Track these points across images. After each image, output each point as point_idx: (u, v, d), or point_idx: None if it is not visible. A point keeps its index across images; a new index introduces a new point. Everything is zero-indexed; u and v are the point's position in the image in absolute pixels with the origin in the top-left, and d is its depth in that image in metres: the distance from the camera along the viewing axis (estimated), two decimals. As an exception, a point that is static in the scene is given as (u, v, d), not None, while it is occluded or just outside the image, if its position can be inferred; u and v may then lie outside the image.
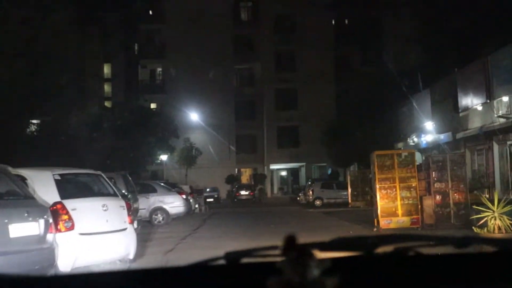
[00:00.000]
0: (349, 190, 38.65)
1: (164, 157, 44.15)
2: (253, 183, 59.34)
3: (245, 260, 1.65)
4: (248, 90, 63.55)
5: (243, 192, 53.49)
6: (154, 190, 26.33)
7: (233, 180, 59.02)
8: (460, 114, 29.64)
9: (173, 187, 29.76)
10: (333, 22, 60.32)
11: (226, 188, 58.90)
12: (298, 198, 48.12)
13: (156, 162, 42.24)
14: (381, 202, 20.27)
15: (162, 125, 40.21)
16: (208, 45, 60.62)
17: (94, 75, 55.31)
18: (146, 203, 25.49)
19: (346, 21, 61.90)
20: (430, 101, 33.50)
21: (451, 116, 30.84)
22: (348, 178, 39.25)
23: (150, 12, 63.44)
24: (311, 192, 43.42)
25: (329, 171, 58.36)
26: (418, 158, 40.26)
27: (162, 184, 27.50)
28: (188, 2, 60.90)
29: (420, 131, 36.35)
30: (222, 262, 1.66)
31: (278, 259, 1.41)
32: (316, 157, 57.82)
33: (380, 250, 1.64)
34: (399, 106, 40.55)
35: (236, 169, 62.67)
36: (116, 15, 59.76)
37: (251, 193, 53.48)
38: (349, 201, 38.75)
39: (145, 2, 61.52)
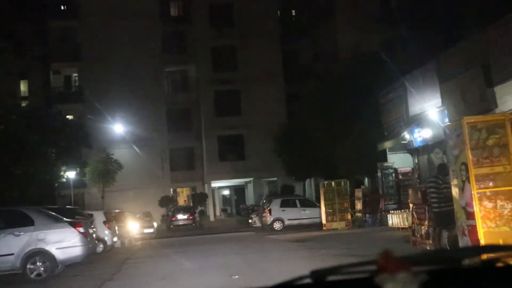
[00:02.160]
0: (323, 207, 28.15)
1: (70, 174, 32.58)
2: (192, 204, 48.37)
3: (331, 278, 1.57)
4: (182, 96, 52.80)
5: (180, 216, 42.83)
6: (29, 222, 15.09)
7: (168, 202, 47.91)
8: (497, 87, 19.46)
9: (73, 215, 18.57)
10: (278, 13, 49.91)
11: (160, 212, 47.81)
12: (250, 221, 37.34)
13: (60, 180, 30.55)
14: (484, 223, 9.75)
15: (68, 131, 28.88)
16: (132, 45, 49.89)
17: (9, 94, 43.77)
18: (15, 243, 14.38)
19: (293, 12, 51.82)
20: (438, 78, 23.32)
21: (479, 91, 20.59)
22: (322, 191, 28.75)
23: (62, 7, 51.64)
24: (268, 213, 32.82)
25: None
26: (409, 161, 30.35)
27: (47, 211, 16.12)
28: (106, -6, 49.86)
29: (416, 122, 26.20)
30: (308, 281, 1.60)
31: (365, 275, 1.37)
32: (265, 170, 47.38)
33: (467, 262, 1.58)
34: (378, 96, 30.56)
35: (172, 189, 51.67)
36: (24, 15, 48.30)
37: (191, 217, 43.13)
38: (323, 222, 28.22)
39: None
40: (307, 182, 45.98)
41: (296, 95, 47.38)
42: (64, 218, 15.64)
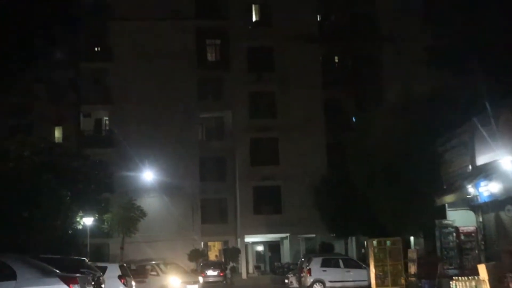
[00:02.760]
0: (372, 269, 24.19)
1: (87, 221, 29.14)
2: (223, 260, 44.59)
3: None
4: (216, 144, 49.62)
5: (210, 272, 39.35)
6: (11, 275, 11.67)
7: (198, 256, 44.25)
8: None
9: (77, 267, 15.16)
10: (320, 58, 46.79)
11: (189, 266, 44.00)
12: (286, 281, 33.44)
13: (75, 227, 27.07)
14: None
15: (87, 171, 25.66)
16: (167, 89, 47.26)
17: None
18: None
19: (336, 58, 48.72)
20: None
21: None
22: (371, 251, 24.81)
23: (95, 49, 49.36)
24: (307, 273, 28.98)
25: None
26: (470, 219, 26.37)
27: (35, 262, 12.60)
28: (141, 37, 47.61)
29: (484, 174, 22.32)
30: None
31: None
32: (303, 226, 43.54)
33: None
34: (436, 144, 26.86)
35: (202, 243, 47.99)
36: (58, 59, 46.12)
37: (221, 273, 39.61)
38: (373, 286, 24.22)
39: (89, 35, 47.69)
40: (349, 240, 42.00)
41: (338, 145, 43.76)
42: (57, 272, 12.16)
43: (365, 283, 28.92)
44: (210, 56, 51.30)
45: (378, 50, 46.41)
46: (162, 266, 30.49)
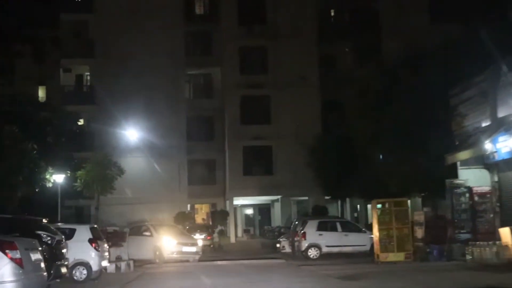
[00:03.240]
0: (376, 233, 21.52)
1: (58, 178, 26.15)
2: (211, 223, 41.95)
3: None
4: (205, 103, 46.72)
5: (197, 236, 36.02)
6: None
7: (184, 219, 41.49)
8: None
9: (30, 229, 12.36)
10: (315, 10, 43.54)
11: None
12: (278, 245, 30.82)
13: (43, 185, 23.97)
14: None
15: (57, 123, 22.60)
16: (152, 44, 43.84)
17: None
18: None
19: (332, 12, 45.54)
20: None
21: None
22: (375, 213, 22.06)
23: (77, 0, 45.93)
24: (302, 237, 26.35)
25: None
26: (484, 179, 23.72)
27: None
28: (125, -14, 44.16)
29: (505, 127, 19.73)
30: None
31: None
32: (295, 188, 40.86)
33: None
34: (448, 96, 24.15)
35: (189, 205, 45.36)
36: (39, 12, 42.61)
37: (209, 237, 36.96)
38: (377, 252, 21.57)
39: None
40: (344, 203, 39.46)
41: (333, 103, 41.00)
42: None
43: (365, 248, 26.40)
44: (198, 9, 48.09)
45: (377, 1, 43.27)
46: (156, 227, 28.30)
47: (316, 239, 26.40)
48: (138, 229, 28.31)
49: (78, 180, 29.00)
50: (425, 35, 37.66)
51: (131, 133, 41.59)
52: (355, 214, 43.69)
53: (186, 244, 26.85)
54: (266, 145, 42.13)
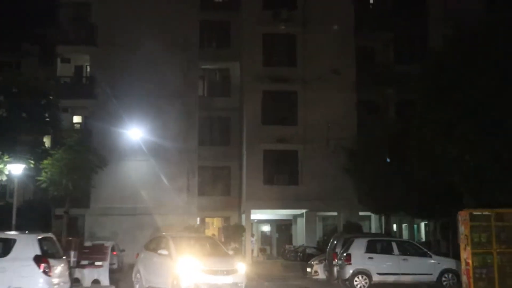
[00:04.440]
0: (468, 259, 14.38)
1: (16, 169, 18.98)
2: (223, 240, 34.81)
3: None
4: (220, 102, 40.03)
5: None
6: None
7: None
8: None
9: None
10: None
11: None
12: (309, 270, 23.72)
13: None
14: None
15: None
16: (162, 33, 37.20)
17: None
18: None
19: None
20: None
21: None
22: (466, 228, 14.81)
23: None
24: (345, 260, 19.20)
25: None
26: None
27: None
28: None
29: None
30: None
31: None
32: (323, 201, 33.75)
33: None
34: None
35: (198, 218, 38.26)
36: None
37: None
38: (470, 285, 14.43)
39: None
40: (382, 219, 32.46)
41: (371, 103, 34.26)
42: None
43: (431, 277, 19.36)
44: (217, -4, 41.48)
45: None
46: (178, 241, 17.10)
47: (364, 264, 19.34)
48: (157, 243, 17.95)
49: (43, 173, 21.55)
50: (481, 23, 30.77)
51: (135, 133, 35.25)
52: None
53: (216, 272, 15.74)
54: (291, 150, 34.98)
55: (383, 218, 35.28)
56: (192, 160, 37.82)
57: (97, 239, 33.71)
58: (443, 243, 30.48)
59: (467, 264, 14.50)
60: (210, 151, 38.48)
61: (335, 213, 36.15)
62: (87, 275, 15.93)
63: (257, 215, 38.20)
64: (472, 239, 14.38)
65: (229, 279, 15.58)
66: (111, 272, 30.18)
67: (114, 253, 32.29)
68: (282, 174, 35.19)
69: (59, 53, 38.39)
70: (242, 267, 16.22)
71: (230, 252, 19.84)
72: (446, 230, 30.67)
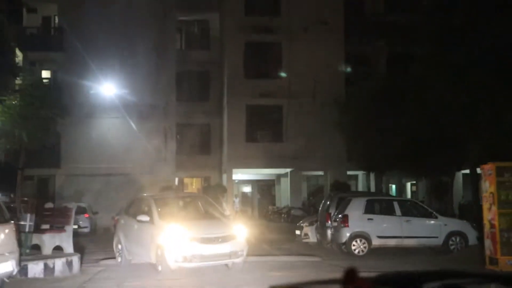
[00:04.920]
0: (494, 220, 12.11)
1: None
2: (203, 201, 32.49)
3: None
4: (199, 55, 37.38)
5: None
6: None
7: (170, 196, 31.98)
8: None
9: None
10: None
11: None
12: (298, 232, 21.52)
13: None
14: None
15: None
16: (137, -19, 34.20)
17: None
18: None
19: None
20: None
21: None
22: (493, 185, 12.53)
23: None
24: (341, 222, 16.95)
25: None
26: None
27: None
28: None
29: None
30: None
31: None
32: (310, 159, 31.43)
33: (427, 286, 1.53)
34: None
35: (177, 179, 35.83)
36: None
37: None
38: (490, 252, 12.19)
39: None
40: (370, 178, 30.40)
41: (361, 56, 31.95)
42: None
43: (437, 241, 17.25)
44: None
45: None
46: (162, 203, 14.24)
47: (363, 226, 17.13)
48: (137, 207, 14.79)
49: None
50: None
51: (107, 89, 32.76)
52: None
53: (209, 240, 12.54)
54: (275, 105, 32.57)
55: (371, 177, 33.42)
56: (170, 117, 35.40)
57: (68, 201, 31.31)
58: (435, 203, 28.54)
59: (492, 226, 12.32)
60: (188, 107, 35.89)
61: (320, 173, 34.01)
62: (47, 241, 13.50)
63: (238, 175, 35.89)
64: (499, 196, 12.18)
65: (225, 248, 12.44)
66: (83, 236, 27.95)
67: (87, 215, 30.05)
68: (266, 131, 32.84)
69: (24, 1, 35.28)
70: (241, 232, 13.09)
71: (227, 213, 15.54)
72: (440, 189, 28.75)
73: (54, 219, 14.24)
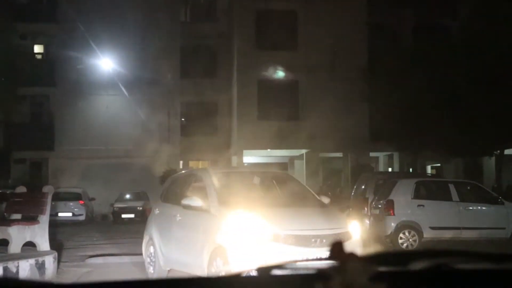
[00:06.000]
0: None
1: None
2: (211, 186, 29.01)
3: (276, 272, 1.53)
4: (206, 28, 33.82)
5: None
6: None
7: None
8: None
9: None
10: None
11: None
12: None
13: None
14: None
15: None
16: None
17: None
18: None
19: None
20: None
21: None
22: None
23: None
24: (385, 209, 13.34)
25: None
26: None
27: None
28: None
29: None
30: (254, 273, 1.56)
31: (309, 272, 1.34)
32: (329, 139, 27.80)
33: (416, 265, 1.50)
34: None
35: (181, 162, 32.56)
36: None
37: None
38: None
39: None
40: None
41: (385, 27, 28.51)
42: None
43: (504, 233, 13.80)
44: None
45: None
46: (222, 181, 8.80)
47: (412, 215, 13.71)
48: (181, 187, 9.56)
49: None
50: None
51: (105, 64, 29.56)
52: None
53: (307, 241, 7.30)
54: (291, 80, 28.90)
55: (394, 159, 30.12)
56: (174, 95, 32.14)
57: (63, 186, 28.07)
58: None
59: None
60: (194, 84, 32.35)
61: (339, 154, 30.54)
62: (15, 236, 10.10)
63: (247, 157, 32.39)
64: None
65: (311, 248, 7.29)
66: (77, 224, 24.69)
67: (82, 202, 26.81)
68: (280, 108, 29.17)
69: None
70: (355, 228, 7.96)
71: (326, 201, 8.96)
72: (475, 171, 25.50)
73: (25, 208, 10.83)
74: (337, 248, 1.28)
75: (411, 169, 26.72)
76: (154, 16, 31.46)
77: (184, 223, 8.58)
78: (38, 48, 33.00)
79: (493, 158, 23.77)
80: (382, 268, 1.42)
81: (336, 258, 1.27)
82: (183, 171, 12.05)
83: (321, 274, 1.28)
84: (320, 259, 1.40)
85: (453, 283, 1.51)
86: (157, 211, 10.00)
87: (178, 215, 8.75)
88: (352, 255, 1.27)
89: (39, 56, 32.95)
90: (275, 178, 9.62)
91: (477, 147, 20.42)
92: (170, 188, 10.12)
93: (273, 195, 8.76)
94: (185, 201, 8.28)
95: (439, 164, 33.46)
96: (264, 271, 1.49)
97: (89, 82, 30.43)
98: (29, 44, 32.30)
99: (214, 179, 8.47)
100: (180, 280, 1.60)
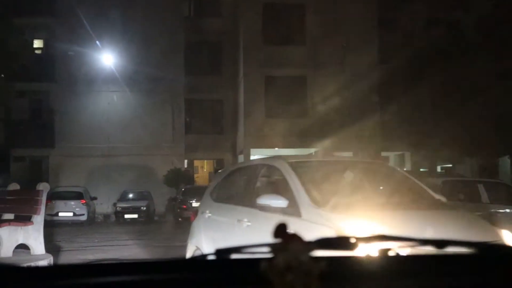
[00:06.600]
0: None
1: None
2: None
3: (234, 256, 1.55)
4: (211, 23, 32.67)
5: (196, 204, 22.12)
6: None
7: (179, 179, 28.04)
8: None
9: None
10: None
11: (166, 193, 28.37)
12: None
13: None
14: None
15: None
16: None
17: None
18: None
19: None
20: None
21: None
22: None
23: None
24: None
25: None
26: None
27: None
28: None
29: None
30: (212, 257, 1.58)
31: (266, 256, 1.32)
32: (338, 138, 26.63)
33: (362, 250, 1.55)
34: None
35: (186, 161, 31.49)
36: None
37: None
38: None
39: None
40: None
41: (394, 21, 27.47)
42: None
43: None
44: None
45: None
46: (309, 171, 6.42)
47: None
48: (245, 182, 7.29)
49: None
50: None
51: (107, 59, 28.59)
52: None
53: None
54: (298, 76, 27.76)
55: (405, 158, 29.07)
56: (177, 92, 31.13)
57: (63, 183, 27.10)
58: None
59: None
60: (198, 81, 31.34)
61: (349, 153, 29.42)
62: (6, 238, 9.05)
63: (254, 157, 31.28)
64: None
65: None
66: (78, 225, 23.67)
67: (83, 201, 25.74)
68: (288, 105, 27.96)
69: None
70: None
71: (442, 199, 6.42)
72: (491, 172, 24.38)
73: (18, 207, 9.77)
74: (281, 229, 1.29)
75: (421, 169, 25.64)
76: (157, 11, 30.47)
77: (258, 230, 6.05)
78: (38, 43, 31.98)
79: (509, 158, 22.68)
80: (325, 251, 1.41)
81: (279, 238, 1.28)
82: (243, 162, 10.14)
83: (268, 254, 1.30)
84: (268, 244, 1.32)
85: (399, 267, 1.53)
86: (208, 214, 7.67)
87: (246, 220, 6.45)
88: (295, 236, 1.28)
89: (38, 51, 31.93)
90: (372, 170, 7.18)
91: (499, 146, 19.36)
92: (225, 184, 8.02)
93: (380, 193, 6.46)
94: (262, 200, 5.95)
95: (450, 165, 32.37)
96: (222, 254, 1.54)
97: (90, 78, 29.40)
98: (29, 39, 31.29)
99: (298, 171, 6.11)
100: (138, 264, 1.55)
